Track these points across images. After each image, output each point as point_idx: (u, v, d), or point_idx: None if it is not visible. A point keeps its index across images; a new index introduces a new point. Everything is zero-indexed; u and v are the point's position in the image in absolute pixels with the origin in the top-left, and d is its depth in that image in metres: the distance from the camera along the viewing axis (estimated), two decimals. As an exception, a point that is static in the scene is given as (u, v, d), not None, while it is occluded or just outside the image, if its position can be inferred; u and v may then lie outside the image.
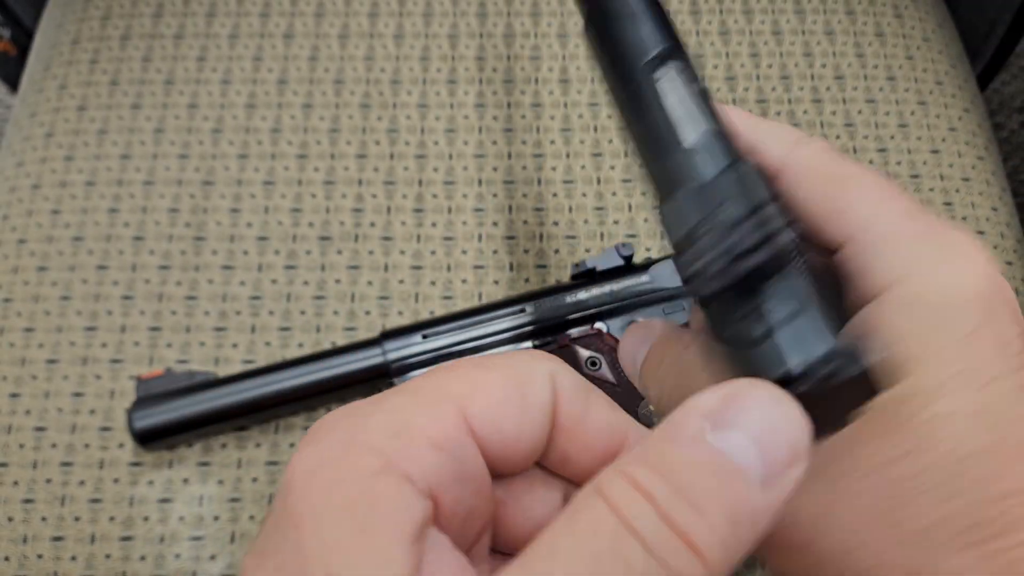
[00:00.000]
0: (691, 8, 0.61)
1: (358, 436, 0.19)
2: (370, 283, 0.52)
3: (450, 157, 0.56)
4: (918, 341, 0.22)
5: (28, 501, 0.46)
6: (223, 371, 0.49)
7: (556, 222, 0.54)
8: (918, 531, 0.21)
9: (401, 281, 0.52)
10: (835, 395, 0.20)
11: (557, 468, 0.22)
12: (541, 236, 0.53)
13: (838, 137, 0.57)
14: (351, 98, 0.58)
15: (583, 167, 0.55)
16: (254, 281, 0.52)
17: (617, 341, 0.45)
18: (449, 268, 0.53)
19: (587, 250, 0.53)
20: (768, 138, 0.26)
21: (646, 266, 0.47)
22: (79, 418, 0.48)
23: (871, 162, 0.56)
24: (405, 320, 0.51)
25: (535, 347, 0.45)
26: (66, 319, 0.51)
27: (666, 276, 0.46)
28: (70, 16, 0.62)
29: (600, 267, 0.47)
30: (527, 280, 0.52)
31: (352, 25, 0.61)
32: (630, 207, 0.54)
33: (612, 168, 0.55)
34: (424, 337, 0.46)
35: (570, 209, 0.54)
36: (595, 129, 0.57)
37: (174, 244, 0.53)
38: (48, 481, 0.47)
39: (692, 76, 0.25)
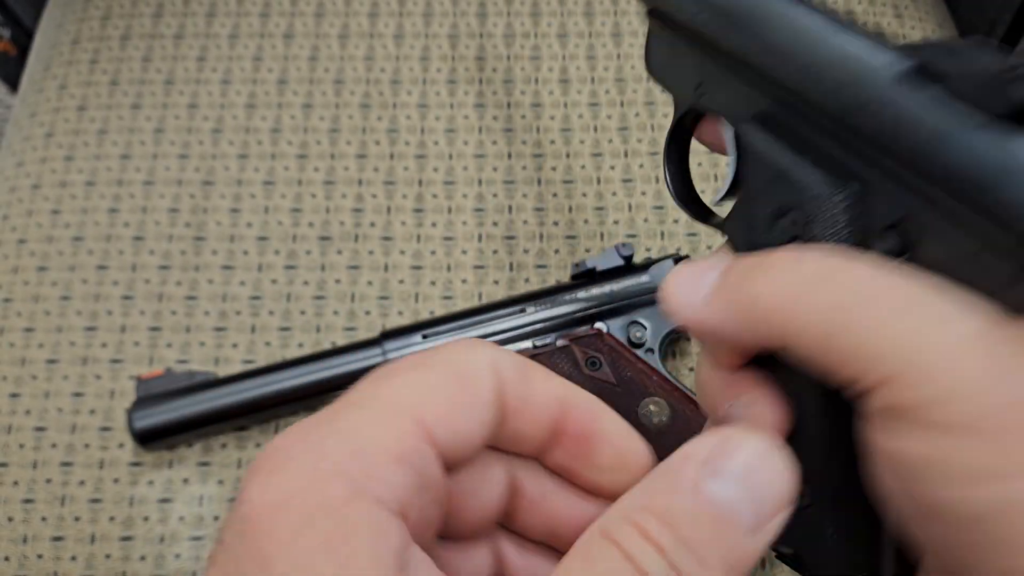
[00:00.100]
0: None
1: (321, 463, 0.18)
2: (370, 283, 0.52)
3: (450, 157, 0.56)
4: None
5: (28, 501, 0.46)
6: (223, 371, 0.49)
7: (556, 222, 0.54)
8: None
9: (401, 281, 0.52)
10: None
11: (508, 445, 0.23)
12: (541, 236, 0.53)
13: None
14: (351, 98, 0.58)
15: (583, 167, 0.55)
16: (254, 281, 0.52)
17: (617, 341, 0.45)
18: (449, 268, 0.53)
19: (587, 250, 0.53)
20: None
21: (646, 266, 0.47)
22: (79, 418, 0.48)
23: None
24: (405, 320, 0.51)
25: (535, 347, 0.45)
26: (66, 319, 0.51)
27: (666, 276, 0.46)
28: (70, 16, 0.62)
29: (600, 267, 0.47)
30: (527, 280, 0.52)
31: (352, 25, 0.61)
32: (630, 207, 0.54)
33: (612, 168, 0.55)
34: (424, 337, 0.46)
35: (570, 209, 0.54)
36: (595, 129, 0.57)
37: (174, 244, 0.53)
38: (48, 481, 0.47)
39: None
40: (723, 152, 0.30)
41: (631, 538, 0.18)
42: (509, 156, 0.56)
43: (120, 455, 0.47)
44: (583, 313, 0.46)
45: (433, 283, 0.52)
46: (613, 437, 0.23)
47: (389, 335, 0.46)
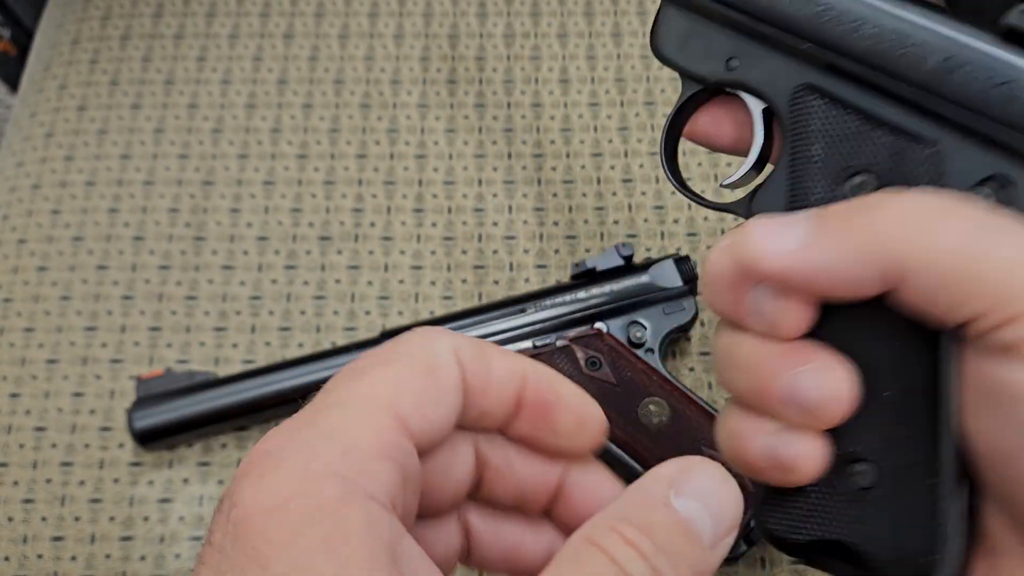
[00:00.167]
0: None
1: (312, 464, 0.19)
2: (370, 283, 0.52)
3: (450, 157, 0.56)
4: None
5: (28, 501, 0.46)
6: (223, 371, 0.49)
7: (556, 222, 0.54)
8: None
9: (401, 281, 0.52)
10: None
11: (474, 423, 0.24)
12: (541, 236, 0.53)
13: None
14: (351, 98, 0.58)
15: (583, 167, 0.55)
16: (254, 281, 0.52)
17: (617, 341, 0.45)
18: (449, 268, 0.53)
19: (587, 250, 0.53)
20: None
21: (646, 266, 0.47)
22: (79, 418, 0.48)
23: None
24: (405, 320, 0.51)
25: (535, 347, 0.45)
26: (66, 319, 0.51)
27: (666, 276, 0.46)
28: (70, 16, 0.62)
29: (600, 267, 0.47)
30: (527, 280, 0.52)
31: (352, 25, 0.61)
32: (630, 207, 0.54)
33: (612, 168, 0.55)
34: (424, 337, 0.46)
35: (570, 209, 0.54)
36: (595, 129, 0.57)
37: (174, 244, 0.53)
38: (48, 481, 0.47)
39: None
40: (712, 145, 0.31)
41: (615, 544, 0.19)
42: (509, 156, 0.56)
43: (120, 455, 0.47)
44: (583, 313, 0.46)
45: (433, 283, 0.52)
46: (570, 403, 0.25)
47: (389, 335, 0.46)
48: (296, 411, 0.48)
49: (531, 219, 0.54)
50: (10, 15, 0.71)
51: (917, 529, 0.23)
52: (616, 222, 0.54)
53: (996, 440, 0.21)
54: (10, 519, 0.46)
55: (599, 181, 0.55)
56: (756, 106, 0.28)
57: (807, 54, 0.27)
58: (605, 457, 0.34)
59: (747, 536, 0.41)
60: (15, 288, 0.52)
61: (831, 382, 0.23)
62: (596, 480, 0.25)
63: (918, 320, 0.22)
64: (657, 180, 0.54)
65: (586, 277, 0.47)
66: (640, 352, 0.45)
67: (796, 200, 0.26)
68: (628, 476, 0.36)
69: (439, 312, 0.51)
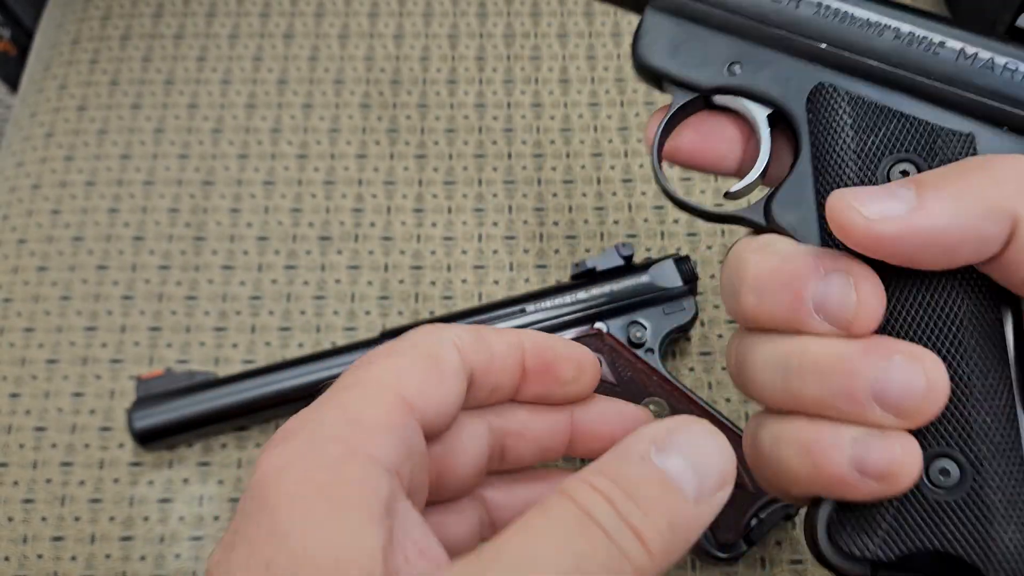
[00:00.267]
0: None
1: (320, 431, 0.21)
2: (370, 283, 0.52)
3: (450, 157, 0.56)
4: None
5: (28, 501, 0.46)
6: (223, 371, 0.49)
7: (556, 222, 0.54)
8: None
9: (401, 281, 0.52)
10: None
11: (488, 400, 0.25)
12: (541, 236, 0.53)
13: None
14: (351, 98, 0.58)
15: (583, 167, 0.55)
16: (254, 281, 0.52)
17: (617, 341, 0.45)
18: (449, 268, 0.53)
19: (587, 250, 0.53)
20: None
21: (646, 266, 0.47)
22: (79, 418, 0.48)
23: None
24: (405, 320, 0.51)
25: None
26: (66, 319, 0.51)
27: (665, 276, 0.46)
28: (70, 16, 0.62)
29: (600, 267, 0.47)
30: (527, 280, 0.52)
31: (352, 25, 0.61)
32: (630, 207, 0.54)
33: (612, 168, 0.55)
34: (424, 337, 0.46)
35: (570, 209, 0.54)
36: (595, 129, 0.57)
37: (174, 244, 0.53)
38: (48, 481, 0.47)
39: None
40: (696, 163, 0.30)
41: (585, 493, 0.20)
42: (509, 156, 0.56)
43: (120, 455, 0.47)
44: (583, 313, 0.46)
45: (433, 283, 0.52)
46: (566, 353, 0.26)
47: (389, 335, 0.46)
48: (295, 411, 0.48)
49: (531, 219, 0.54)
50: (10, 15, 0.71)
51: (1021, 522, 0.21)
52: (616, 222, 0.54)
53: None
54: (10, 519, 0.46)
55: (599, 181, 0.55)
56: (760, 112, 0.28)
57: (823, 54, 0.26)
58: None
59: (747, 536, 0.41)
60: (15, 288, 0.52)
61: (926, 373, 0.21)
62: (602, 409, 0.27)
63: (996, 293, 0.22)
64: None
65: (586, 277, 0.47)
66: (640, 352, 0.45)
67: (827, 195, 0.25)
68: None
69: (439, 312, 0.51)
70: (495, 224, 0.54)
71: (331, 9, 0.61)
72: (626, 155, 0.56)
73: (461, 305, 0.51)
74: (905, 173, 0.25)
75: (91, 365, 0.50)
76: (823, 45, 0.26)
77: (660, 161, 0.30)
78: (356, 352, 0.46)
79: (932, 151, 0.24)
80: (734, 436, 0.42)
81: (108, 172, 0.55)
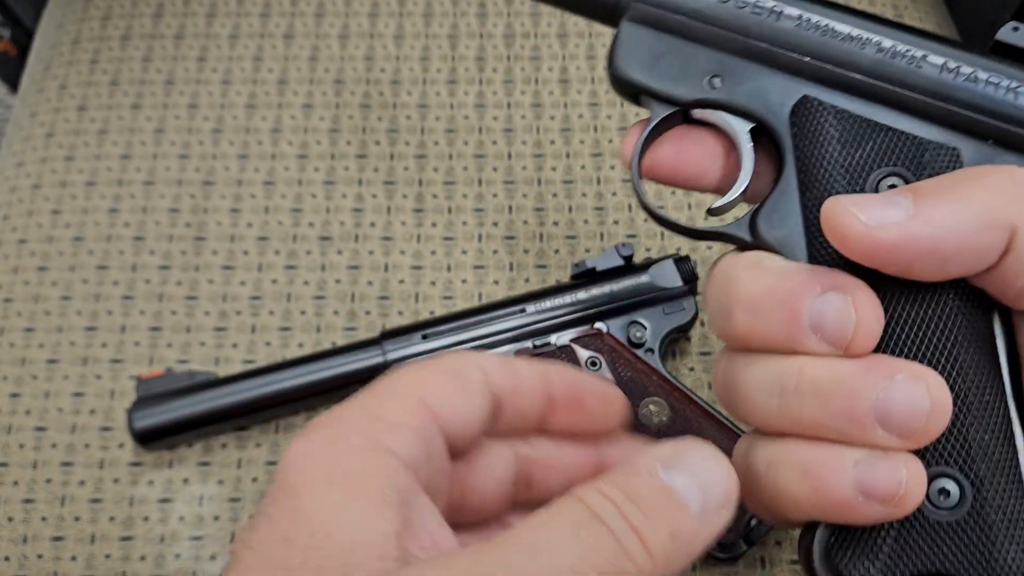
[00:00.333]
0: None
1: (343, 424, 0.22)
2: (370, 283, 0.52)
3: (450, 157, 0.56)
4: None
5: (28, 501, 0.46)
6: (223, 371, 0.49)
7: (556, 222, 0.54)
8: None
9: (401, 281, 0.52)
10: None
11: (515, 426, 0.26)
12: (541, 236, 0.53)
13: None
14: (351, 98, 0.58)
15: (583, 167, 0.55)
16: (254, 281, 0.52)
17: (617, 341, 0.45)
18: (449, 268, 0.53)
19: (587, 250, 0.53)
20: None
21: (646, 266, 0.47)
22: (79, 418, 0.48)
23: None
24: (405, 320, 0.51)
25: (535, 347, 0.45)
26: (66, 319, 0.51)
27: (666, 276, 0.46)
28: (70, 16, 0.62)
29: (600, 267, 0.47)
30: (527, 280, 0.52)
31: (352, 25, 0.61)
32: (630, 207, 0.54)
33: (612, 168, 0.55)
34: (424, 337, 0.46)
35: (570, 209, 0.54)
36: (595, 129, 0.57)
37: (174, 244, 0.53)
38: (48, 481, 0.47)
39: None
40: (674, 180, 0.29)
41: (592, 496, 0.20)
42: (509, 156, 0.56)
43: (120, 455, 0.47)
44: (583, 313, 0.46)
45: (433, 283, 0.52)
46: (591, 387, 0.27)
47: (389, 335, 0.46)
48: (295, 411, 0.48)
49: (531, 219, 0.54)
50: (10, 15, 0.71)
51: (1022, 541, 0.21)
52: (616, 222, 0.54)
53: None
54: (10, 519, 0.46)
55: (599, 181, 0.55)
56: (742, 127, 0.27)
57: (806, 68, 0.26)
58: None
59: (747, 536, 0.41)
60: (15, 288, 0.52)
61: (930, 392, 0.21)
62: (630, 446, 0.27)
63: (988, 306, 0.22)
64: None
65: (586, 277, 0.47)
66: (640, 352, 0.45)
67: (815, 210, 0.25)
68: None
69: (439, 312, 0.51)
70: (495, 224, 0.54)
71: (331, 9, 0.61)
72: (626, 155, 0.56)
73: (461, 305, 0.51)
74: (893, 187, 0.24)
75: (91, 365, 0.50)
76: (807, 59, 0.26)
77: (640, 176, 0.29)
78: (356, 352, 0.46)
79: (920, 164, 0.24)
80: (734, 436, 0.42)
81: (108, 172, 0.55)
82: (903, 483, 0.21)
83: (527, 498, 0.27)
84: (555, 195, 0.55)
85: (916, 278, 0.22)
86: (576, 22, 0.60)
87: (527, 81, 0.59)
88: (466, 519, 0.26)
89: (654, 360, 0.45)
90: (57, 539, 0.45)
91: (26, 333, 0.50)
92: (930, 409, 0.21)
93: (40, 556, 0.45)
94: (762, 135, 0.27)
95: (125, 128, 0.57)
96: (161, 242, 0.53)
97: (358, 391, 0.24)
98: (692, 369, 0.49)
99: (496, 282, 0.52)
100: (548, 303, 0.46)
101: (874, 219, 0.21)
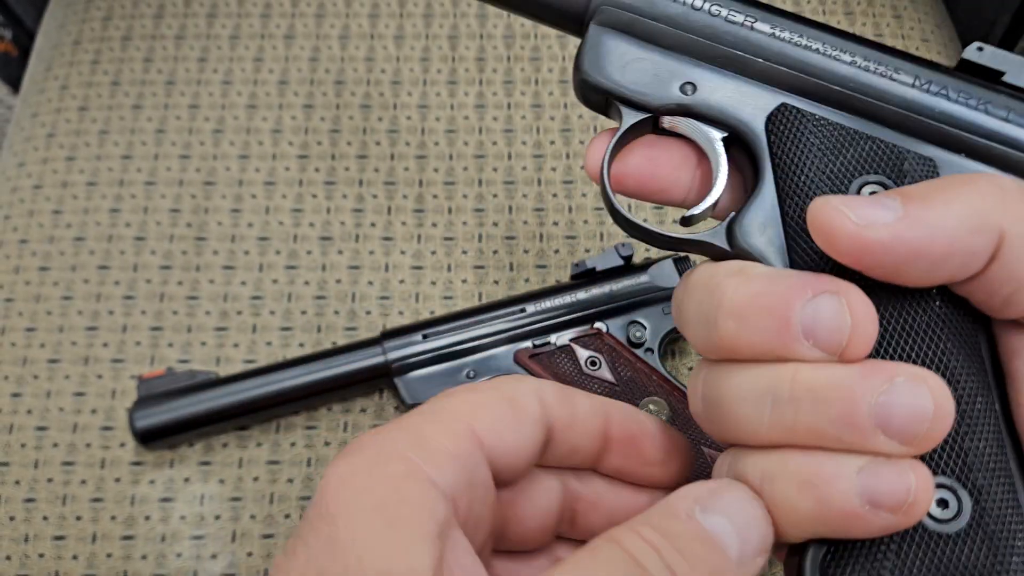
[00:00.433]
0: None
1: (385, 448, 0.22)
2: (371, 283, 0.52)
3: (450, 158, 0.56)
4: None
5: (30, 500, 0.46)
6: (224, 371, 0.49)
7: (556, 222, 0.54)
8: None
9: (402, 281, 0.52)
10: None
11: (565, 461, 0.25)
12: (541, 236, 0.54)
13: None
14: (352, 99, 0.58)
15: (582, 167, 0.56)
16: (255, 281, 0.52)
17: (617, 341, 0.45)
18: (449, 268, 0.53)
19: (587, 250, 0.53)
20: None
21: (645, 266, 0.47)
22: (80, 418, 0.48)
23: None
24: (406, 320, 0.51)
25: (535, 347, 0.46)
26: (68, 319, 0.51)
27: (665, 276, 0.46)
28: (72, 17, 0.62)
29: (600, 267, 0.47)
30: (527, 280, 0.52)
31: (353, 26, 0.61)
32: (630, 207, 0.54)
33: (612, 168, 0.55)
34: (424, 337, 0.46)
35: (570, 209, 0.54)
36: (595, 129, 0.57)
37: (175, 244, 0.53)
38: (50, 480, 0.47)
39: None
40: (642, 192, 0.29)
41: (632, 540, 0.20)
42: (509, 156, 0.56)
43: (121, 454, 0.47)
44: (583, 313, 0.46)
45: (433, 283, 0.52)
46: (655, 433, 0.26)
47: (389, 335, 0.46)
48: (296, 411, 0.48)
49: (531, 219, 0.54)
50: (11, 16, 0.71)
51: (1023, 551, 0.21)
52: (616, 222, 0.54)
53: None
54: (12, 518, 0.46)
55: (599, 181, 0.55)
56: (715, 136, 0.27)
57: (781, 77, 0.26)
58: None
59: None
60: (17, 288, 0.52)
61: (931, 394, 0.20)
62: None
63: (973, 313, 0.22)
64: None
65: (586, 277, 0.47)
66: (640, 352, 0.45)
67: (795, 217, 0.25)
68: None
69: (439, 312, 0.51)
70: (495, 224, 0.54)
71: (332, 10, 0.61)
72: (626, 156, 0.56)
73: (461, 305, 0.51)
74: (874, 192, 0.24)
75: (92, 365, 0.50)
76: (782, 68, 0.26)
77: (610, 181, 0.28)
78: (356, 351, 0.46)
79: (901, 171, 0.24)
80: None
81: (109, 172, 0.55)
82: (911, 489, 0.19)
83: (569, 534, 0.27)
84: (555, 195, 0.55)
85: (902, 282, 0.22)
86: (576, 23, 0.61)
87: (527, 82, 0.59)
88: (508, 546, 0.25)
89: (654, 360, 0.45)
90: (58, 538, 0.45)
91: (27, 333, 0.50)
92: (933, 412, 0.19)
93: (41, 555, 0.45)
94: (733, 145, 0.27)
95: (126, 128, 0.57)
96: (162, 242, 0.53)
97: (405, 414, 0.23)
98: (691, 369, 0.49)
99: (496, 282, 0.52)
100: (548, 303, 0.46)
101: (864, 219, 0.20)
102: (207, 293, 0.52)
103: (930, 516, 0.21)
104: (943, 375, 0.22)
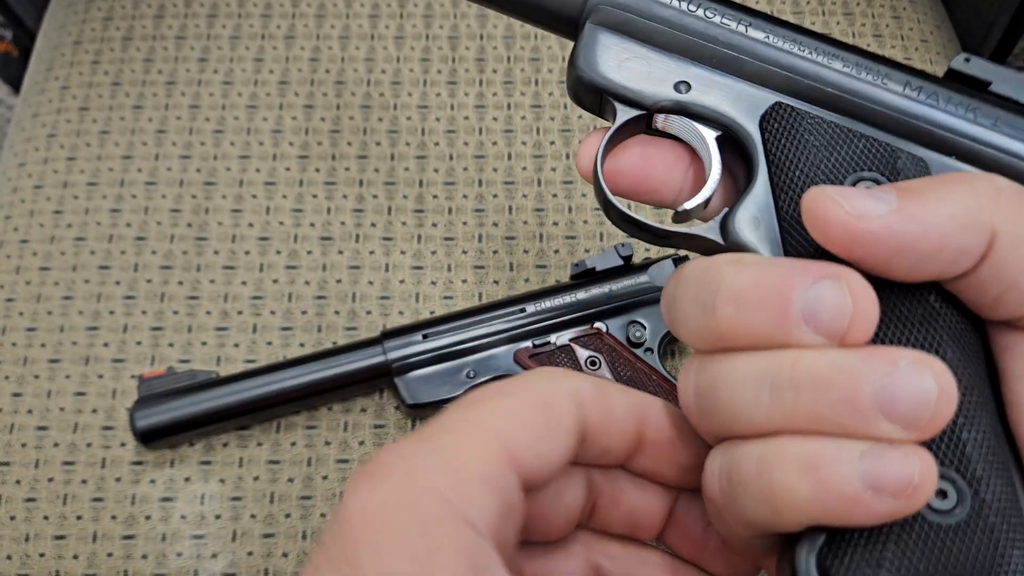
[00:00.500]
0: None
1: (417, 479, 0.20)
2: (371, 283, 0.52)
3: (450, 158, 0.56)
4: None
5: (30, 500, 0.46)
6: (225, 370, 0.49)
7: (556, 222, 0.54)
8: None
9: (402, 281, 0.52)
10: None
11: (595, 460, 0.24)
12: (541, 236, 0.54)
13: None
14: (352, 99, 0.58)
15: (583, 168, 0.56)
16: (256, 281, 0.52)
17: (616, 341, 0.46)
18: (449, 268, 0.53)
19: (587, 250, 0.53)
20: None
21: (645, 266, 0.47)
22: (81, 417, 0.48)
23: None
24: (406, 320, 0.51)
25: (535, 347, 0.46)
26: (68, 319, 0.51)
27: (665, 276, 0.47)
28: (72, 17, 0.62)
29: (599, 267, 0.47)
30: (527, 280, 0.52)
31: (353, 27, 0.61)
32: (629, 207, 0.54)
33: (612, 169, 0.56)
34: (424, 337, 0.46)
35: (570, 209, 0.54)
36: (594, 130, 0.57)
37: (176, 244, 0.53)
38: (50, 480, 0.47)
39: None
40: (635, 191, 0.29)
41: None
42: (509, 157, 0.56)
43: (122, 454, 0.47)
44: (582, 313, 0.46)
45: (433, 283, 0.52)
46: (692, 437, 0.24)
47: (390, 334, 0.47)
48: (296, 410, 0.48)
49: (531, 219, 0.54)
50: (12, 16, 0.71)
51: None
52: (616, 222, 0.54)
53: None
54: (12, 518, 0.46)
55: (599, 182, 0.55)
56: (709, 134, 0.27)
57: (777, 79, 0.26)
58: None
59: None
60: (17, 288, 0.52)
61: (935, 378, 0.19)
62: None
63: (967, 312, 0.22)
64: (656, 181, 0.55)
65: (586, 277, 0.47)
66: (639, 351, 0.45)
67: (790, 211, 0.25)
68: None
69: (439, 312, 0.51)
70: (495, 224, 0.54)
71: (332, 11, 0.61)
72: (626, 156, 0.56)
73: (461, 305, 0.51)
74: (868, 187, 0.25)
75: (93, 364, 0.50)
76: (776, 69, 0.26)
77: (603, 174, 0.29)
78: (357, 351, 0.46)
79: (895, 169, 0.25)
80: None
81: (110, 172, 0.56)
82: (916, 473, 0.19)
83: (586, 524, 0.26)
84: (555, 195, 0.55)
85: (893, 276, 0.22)
86: (576, 23, 0.61)
87: (527, 82, 0.59)
88: (531, 538, 0.24)
89: (653, 360, 0.45)
90: (59, 538, 0.45)
91: (28, 333, 0.51)
92: (937, 396, 0.19)
93: (42, 555, 0.45)
94: (726, 146, 0.27)
95: (127, 129, 0.57)
96: (163, 242, 0.53)
97: (431, 418, 0.21)
98: (691, 369, 0.49)
99: (496, 282, 0.52)
100: (548, 303, 0.46)
101: (858, 209, 0.20)
102: (208, 293, 0.52)
103: (929, 507, 0.21)
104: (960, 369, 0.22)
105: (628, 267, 0.47)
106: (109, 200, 0.55)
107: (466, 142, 0.57)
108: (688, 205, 0.28)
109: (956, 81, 0.26)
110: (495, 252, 0.53)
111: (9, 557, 0.45)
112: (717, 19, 0.27)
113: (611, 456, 0.24)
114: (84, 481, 0.47)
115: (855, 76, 0.26)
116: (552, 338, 0.46)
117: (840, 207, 0.21)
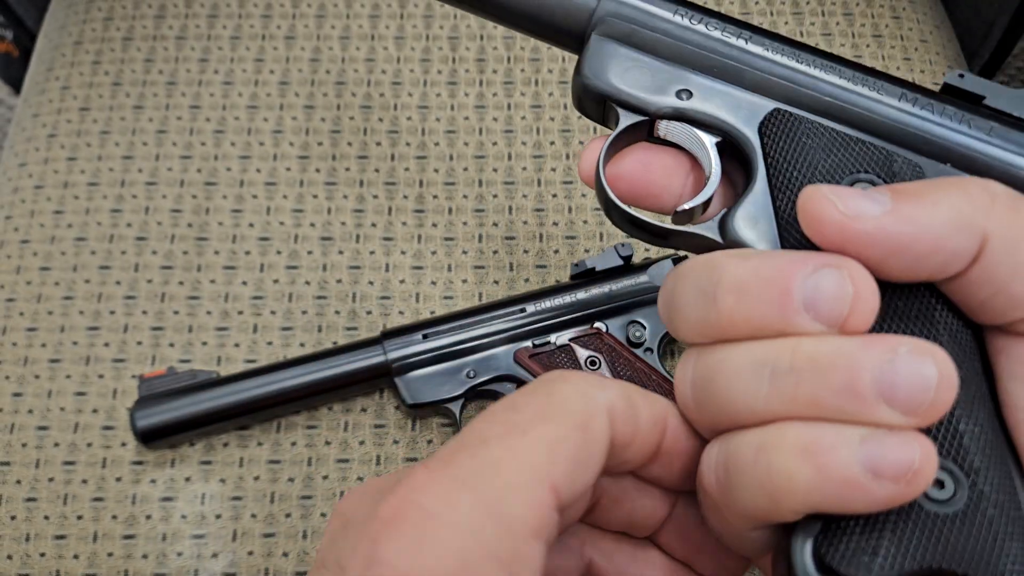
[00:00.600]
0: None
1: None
2: (371, 283, 0.52)
3: (450, 158, 0.56)
4: None
5: (31, 500, 0.46)
6: (225, 370, 0.49)
7: (556, 222, 0.54)
8: None
9: (402, 281, 0.52)
10: None
11: (611, 471, 0.24)
12: (541, 236, 0.54)
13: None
14: (352, 99, 0.58)
15: (583, 168, 0.56)
16: (256, 281, 0.52)
17: (616, 340, 0.46)
18: (449, 268, 0.53)
19: (587, 250, 0.53)
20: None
21: (645, 266, 0.47)
22: (82, 417, 0.48)
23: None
24: (406, 320, 0.51)
25: (535, 347, 0.46)
26: (69, 319, 0.51)
27: (664, 276, 0.47)
28: (73, 18, 0.62)
29: (599, 267, 0.47)
30: (527, 280, 0.52)
31: (353, 27, 0.61)
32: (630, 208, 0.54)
33: (612, 169, 0.56)
34: (424, 337, 0.46)
35: (570, 209, 0.55)
36: (594, 130, 0.57)
37: (176, 244, 0.53)
38: (51, 480, 0.47)
39: None
40: (636, 196, 0.30)
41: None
42: (509, 157, 0.56)
43: (122, 454, 0.48)
44: (582, 313, 0.46)
45: (434, 283, 0.52)
46: (702, 446, 0.24)
47: (390, 334, 0.47)
48: (297, 410, 0.48)
49: (531, 219, 0.54)
50: (12, 16, 0.71)
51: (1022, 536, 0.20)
52: (616, 223, 0.54)
53: None
54: (13, 517, 0.46)
55: (599, 182, 0.55)
56: (709, 140, 0.28)
57: (775, 88, 0.27)
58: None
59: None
60: (18, 288, 0.52)
61: (936, 364, 0.19)
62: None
63: (960, 311, 0.22)
64: (656, 181, 0.55)
65: (585, 277, 0.47)
66: (639, 351, 0.46)
67: (788, 210, 0.25)
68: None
69: (439, 312, 0.51)
70: (495, 224, 0.54)
71: (332, 11, 0.62)
72: (625, 156, 0.56)
73: (461, 305, 0.52)
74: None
75: (94, 364, 0.50)
76: (775, 79, 0.27)
77: (605, 173, 0.30)
78: (357, 351, 0.46)
79: (891, 172, 0.25)
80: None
81: (111, 172, 0.56)
82: (916, 458, 0.19)
83: (585, 518, 0.26)
84: (555, 195, 0.55)
85: (885, 276, 0.22)
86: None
87: (527, 82, 0.59)
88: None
89: (653, 359, 0.45)
90: (59, 537, 0.46)
91: (29, 333, 0.51)
92: (937, 382, 0.19)
93: (43, 554, 0.45)
94: (725, 153, 0.28)
95: (127, 129, 0.57)
96: (163, 242, 0.53)
97: (462, 434, 0.20)
98: (691, 369, 0.49)
99: (496, 282, 0.52)
100: (548, 303, 0.46)
101: (852, 209, 0.21)
102: (208, 293, 0.52)
103: (927, 496, 0.21)
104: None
105: (628, 267, 0.47)
106: (110, 200, 0.55)
107: (466, 142, 0.57)
108: (688, 205, 0.29)
109: (951, 95, 0.27)
110: (495, 252, 0.53)
111: (9, 557, 0.45)
112: (718, 33, 0.28)
113: (628, 467, 0.24)
114: (84, 481, 0.47)
115: (851, 89, 0.27)
116: (552, 338, 0.46)
117: (834, 206, 0.21)
